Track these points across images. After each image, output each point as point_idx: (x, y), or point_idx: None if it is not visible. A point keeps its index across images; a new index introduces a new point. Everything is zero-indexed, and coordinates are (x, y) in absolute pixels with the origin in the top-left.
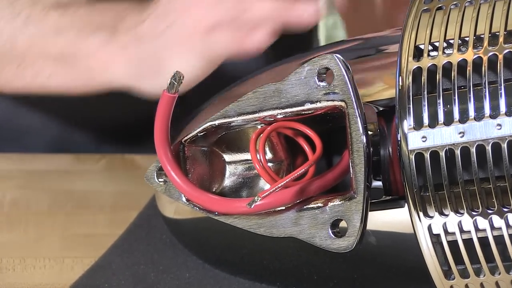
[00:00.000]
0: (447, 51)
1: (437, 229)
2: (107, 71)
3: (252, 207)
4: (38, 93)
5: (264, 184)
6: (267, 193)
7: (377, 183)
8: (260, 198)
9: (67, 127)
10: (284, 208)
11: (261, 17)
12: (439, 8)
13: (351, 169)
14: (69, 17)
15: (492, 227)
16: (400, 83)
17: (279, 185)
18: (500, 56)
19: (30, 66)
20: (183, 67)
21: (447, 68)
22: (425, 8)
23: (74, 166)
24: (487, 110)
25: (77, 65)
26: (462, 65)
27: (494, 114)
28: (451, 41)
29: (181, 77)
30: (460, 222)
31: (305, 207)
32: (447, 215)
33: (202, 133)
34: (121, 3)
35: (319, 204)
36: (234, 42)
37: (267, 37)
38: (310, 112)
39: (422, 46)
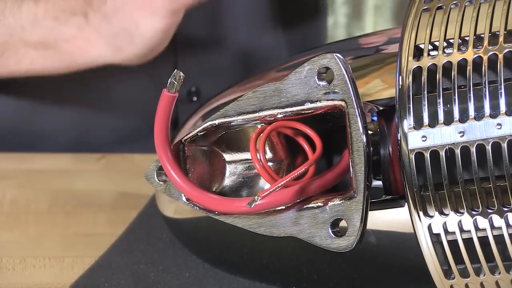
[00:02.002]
0: (447, 51)
1: (437, 229)
2: (88, 53)
3: (252, 206)
4: (23, 76)
5: (264, 184)
6: (267, 192)
7: (377, 183)
8: (260, 198)
9: (84, 129)
10: (284, 207)
11: None
12: (439, 8)
13: (351, 168)
14: (42, 5)
15: (492, 227)
16: (400, 83)
17: (279, 184)
18: (500, 56)
19: (12, 55)
20: (151, 28)
21: (447, 67)
22: (425, 7)
23: (74, 166)
24: (487, 110)
25: (57, 50)
26: (462, 64)
27: (494, 114)
28: (451, 41)
29: (181, 77)
30: (460, 221)
31: (305, 206)
32: (447, 215)
33: (202, 133)
34: None
35: (319, 204)
36: None
37: None
38: (310, 111)
39: (422, 46)
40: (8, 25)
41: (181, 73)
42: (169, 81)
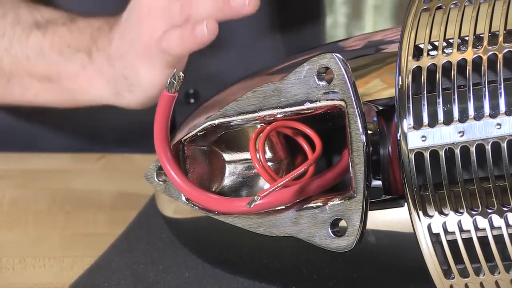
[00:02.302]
0: (446, 51)
1: (437, 229)
2: (89, 92)
3: (251, 206)
4: (28, 106)
5: (263, 184)
6: (266, 192)
7: (377, 183)
8: (259, 198)
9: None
10: (283, 207)
11: (204, 14)
12: (439, 8)
13: (350, 168)
14: (49, 38)
15: (492, 227)
16: (400, 83)
17: (279, 184)
18: (500, 56)
19: (18, 83)
20: (150, 78)
21: (447, 67)
22: (425, 7)
23: (74, 165)
24: (486, 110)
25: (60, 85)
26: (462, 64)
27: (494, 114)
28: (451, 41)
29: (181, 77)
30: (459, 221)
31: (304, 206)
32: (446, 215)
33: (201, 133)
34: (95, 21)
35: (319, 204)
36: (184, 38)
37: (214, 26)
38: (309, 111)
39: (421, 46)
40: (14, 54)
41: (181, 73)
42: (168, 81)
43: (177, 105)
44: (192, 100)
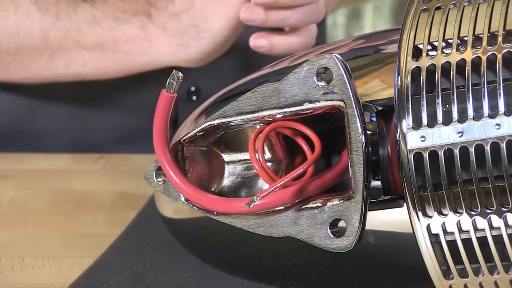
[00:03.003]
0: (446, 51)
1: (436, 229)
2: (148, 53)
3: (251, 207)
4: (67, 80)
5: (263, 184)
6: (266, 193)
7: (376, 183)
8: (259, 198)
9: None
10: (283, 208)
11: None
12: (438, 8)
13: (350, 168)
14: (100, 8)
15: (491, 227)
16: (399, 83)
17: (278, 184)
18: (499, 56)
19: (62, 57)
20: (221, 23)
21: (446, 67)
22: (424, 7)
23: (73, 166)
24: (486, 110)
25: (116, 51)
26: (461, 64)
27: (493, 114)
28: (450, 41)
29: (180, 77)
30: (459, 221)
31: (304, 206)
32: (446, 215)
33: (201, 133)
34: None
35: (318, 204)
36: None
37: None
38: (309, 111)
39: (421, 46)
40: (62, 27)
41: (180, 73)
42: (168, 81)
43: (179, 102)
44: (194, 98)
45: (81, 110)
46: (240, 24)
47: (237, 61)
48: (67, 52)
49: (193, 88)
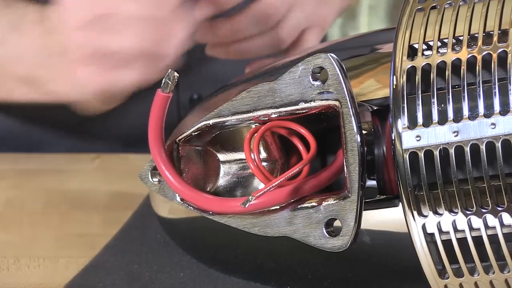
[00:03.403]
0: (441, 50)
1: (431, 228)
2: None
3: (246, 206)
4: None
5: (258, 184)
6: (261, 192)
7: (371, 182)
8: (254, 198)
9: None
10: (278, 207)
11: None
12: (433, 8)
13: (345, 168)
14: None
15: (486, 226)
16: (394, 82)
17: (273, 184)
18: (494, 55)
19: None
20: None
21: (441, 67)
22: (419, 7)
23: (68, 166)
24: (481, 109)
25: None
26: (456, 64)
27: (488, 113)
28: (445, 40)
29: (175, 77)
30: (454, 221)
31: (299, 206)
32: (441, 214)
33: (196, 133)
34: None
35: (313, 204)
36: None
37: None
38: (304, 111)
39: (416, 45)
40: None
41: (175, 73)
42: (163, 81)
43: (182, 110)
44: None
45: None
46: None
47: (240, 67)
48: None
49: (195, 96)
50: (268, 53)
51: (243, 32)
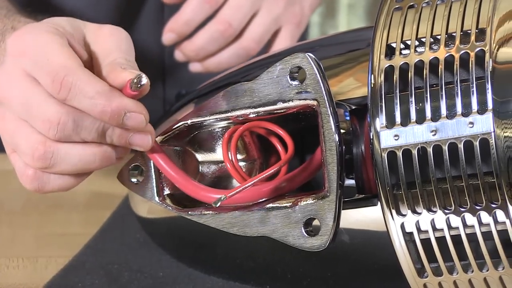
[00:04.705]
0: (419, 49)
1: (410, 227)
2: None
3: (217, 205)
4: None
5: (236, 183)
6: (233, 192)
7: (350, 182)
8: (226, 197)
9: None
10: (256, 206)
11: None
12: (411, 7)
13: (323, 167)
14: None
15: (465, 225)
16: (372, 82)
17: (247, 184)
18: (472, 54)
19: None
20: None
21: (419, 66)
22: (397, 6)
23: None
24: (459, 108)
25: None
26: (434, 63)
27: (466, 112)
28: (423, 39)
29: (142, 81)
30: (433, 220)
31: (278, 206)
32: (420, 213)
33: (175, 133)
34: None
35: (292, 203)
36: None
37: None
38: (282, 111)
39: (394, 45)
40: None
41: (143, 77)
42: (131, 80)
43: (167, 106)
44: None
45: None
46: None
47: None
48: None
49: (183, 92)
50: (240, 63)
51: (206, 49)
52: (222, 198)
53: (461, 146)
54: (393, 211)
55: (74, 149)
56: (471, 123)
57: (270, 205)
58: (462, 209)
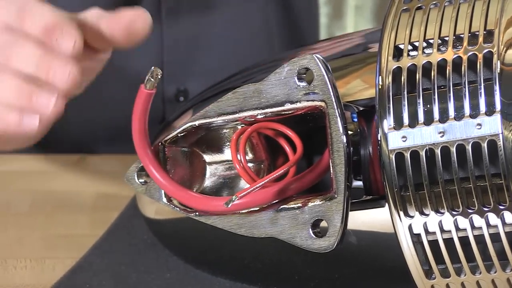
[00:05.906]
0: (426, 51)
1: (418, 229)
2: None
3: (229, 206)
4: None
5: (244, 184)
6: (244, 193)
7: (358, 183)
8: (237, 198)
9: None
10: (264, 207)
11: None
12: (419, 8)
13: (331, 169)
14: None
15: (473, 227)
16: (380, 83)
17: (257, 185)
18: (480, 56)
19: None
20: None
21: (427, 67)
22: (405, 8)
23: (54, 167)
24: (467, 110)
25: None
26: (442, 64)
27: (474, 114)
28: (431, 41)
29: (159, 74)
30: (440, 221)
31: (285, 207)
32: (427, 215)
33: (182, 134)
34: None
35: (300, 204)
36: None
37: None
38: (290, 112)
39: (402, 46)
40: None
41: (159, 70)
42: (146, 78)
43: (167, 103)
44: (181, 98)
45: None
46: None
47: (224, 61)
48: None
49: (182, 88)
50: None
51: None
52: (233, 199)
53: (469, 147)
54: (401, 213)
55: None
56: (479, 124)
57: (283, 206)
58: (470, 211)
